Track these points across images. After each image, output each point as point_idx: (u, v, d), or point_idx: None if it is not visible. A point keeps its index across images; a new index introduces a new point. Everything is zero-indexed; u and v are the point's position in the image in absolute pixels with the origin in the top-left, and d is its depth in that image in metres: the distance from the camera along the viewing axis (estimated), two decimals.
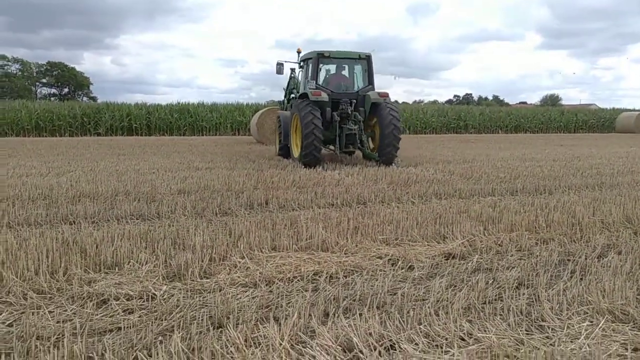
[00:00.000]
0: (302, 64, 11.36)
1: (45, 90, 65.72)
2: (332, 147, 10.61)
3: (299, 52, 11.78)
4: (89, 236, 4.03)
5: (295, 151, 10.23)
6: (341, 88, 10.44)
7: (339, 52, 10.37)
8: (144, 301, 2.91)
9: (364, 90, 10.26)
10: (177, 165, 9.49)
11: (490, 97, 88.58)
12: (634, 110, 34.86)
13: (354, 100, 10.03)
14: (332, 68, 10.81)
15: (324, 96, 9.57)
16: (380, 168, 9.05)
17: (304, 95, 9.93)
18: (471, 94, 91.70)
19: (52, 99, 54.97)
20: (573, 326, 2.60)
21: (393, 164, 9.70)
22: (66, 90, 65.53)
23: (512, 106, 50.73)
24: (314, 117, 9.17)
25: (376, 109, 9.96)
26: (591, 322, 2.65)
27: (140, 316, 2.70)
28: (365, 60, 10.41)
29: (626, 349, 2.38)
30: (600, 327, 2.58)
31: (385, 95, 10.04)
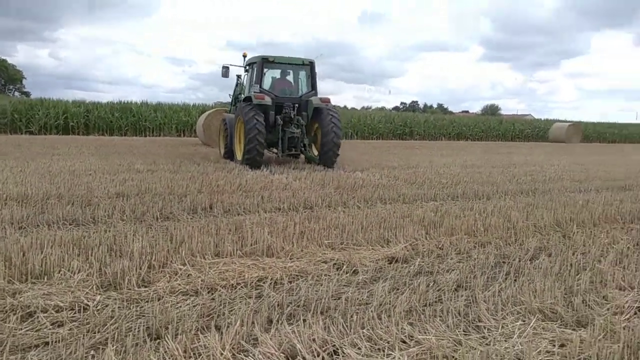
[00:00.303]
0: (247, 67, 11.47)
1: None
2: (275, 150, 10.80)
3: (244, 56, 11.86)
4: (15, 243, 3.74)
5: (239, 153, 10.37)
6: (285, 92, 10.64)
7: (283, 58, 10.56)
8: (75, 313, 2.74)
9: (307, 95, 10.55)
10: (117, 167, 9.07)
11: (435, 105, 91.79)
12: (565, 121, 37.32)
13: (297, 105, 10.30)
14: (277, 73, 11.02)
15: (267, 100, 9.81)
16: (327, 172, 9.11)
17: (248, 99, 10.12)
18: (417, 102, 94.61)
19: None
20: (507, 325, 2.72)
21: (337, 168, 9.95)
22: None
23: (455, 114, 52.84)
24: (257, 122, 9.35)
25: (318, 114, 10.26)
26: (523, 321, 2.79)
27: (70, 329, 2.54)
28: (309, 66, 10.72)
29: (554, 345, 2.51)
30: (532, 325, 2.71)
31: (327, 101, 10.32)
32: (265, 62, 10.35)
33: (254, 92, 10.00)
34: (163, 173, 8.36)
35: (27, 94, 53.42)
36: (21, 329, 2.50)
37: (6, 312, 2.69)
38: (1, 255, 3.46)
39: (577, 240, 4.65)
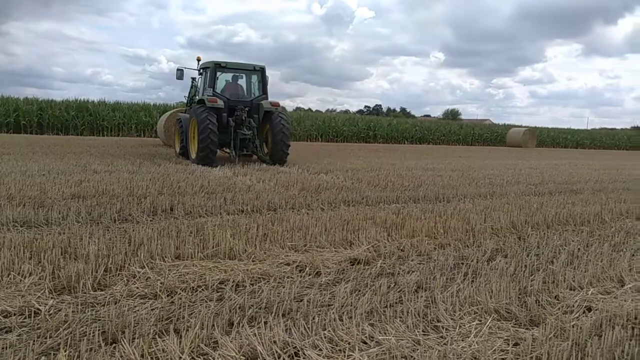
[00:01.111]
0: (201, 71, 12.08)
1: None
2: (227, 149, 11.60)
3: (198, 60, 12.49)
4: None
5: (193, 152, 11.00)
6: (237, 96, 11.47)
7: (235, 63, 11.40)
8: (25, 318, 2.62)
9: (258, 99, 11.41)
10: (72, 168, 8.74)
11: (398, 109, 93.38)
12: (521, 126, 38.77)
13: (249, 108, 11.12)
14: (229, 77, 11.79)
15: (220, 103, 10.61)
16: (291, 175, 9.10)
17: (202, 102, 10.79)
18: (380, 105, 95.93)
19: None
20: (464, 325, 2.79)
21: (301, 169, 10.27)
22: None
23: (417, 118, 53.94)
24: (210, 122, 10.10)
25: (269, 116, 11.10)
26: (480, 321, 2.87)
27: (20, 335, 2.42)
28: (260, 71, 11.58)
29: (509, 344, 2.60)
30: (488, 325, 2.80)
31: (277, 104, 11.23)
32: (217, 67, 11.08)
33: (207, 95, 10.75)
34: (122, 174, 8.12)
35: None
36: None
37: None
38: None
39: (531, 241, 4.84)
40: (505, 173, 12.00)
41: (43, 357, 2.21)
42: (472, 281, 3.53)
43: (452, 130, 35.76)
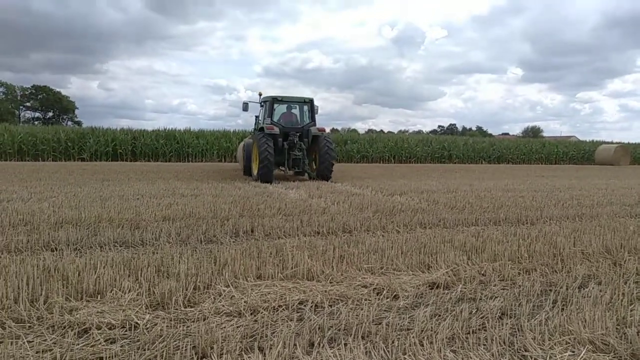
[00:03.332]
0: (262, 104, 14.53)
1: (29, 114, 65.19)
2: (282, 168, 13.84)
3: (260, 95, 14.89)
4: (71, 263, 3.97)
5: (255, 170, 13.33)
6: (291, 123, 13.63)
7: (289, 97, 13.71)
8: (126, 330, 2.87)
9: (307, 125, 13.57)
10: (162, 192, 9.44)
11: (474, 128, 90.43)
12: (612, 142, 35.90)
13: (300, 133, 13.27)
14: (284, 108, 13.97)
15: (276, 130, 12.84)
16: (365, 197, 9.13)
17: (262, 129, 13.11)
18: (455, 124, 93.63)
19: (36, 122, 54.51)
20: (555, 356, 2.63)
21: (375, 191, 10.56)
22: (50, 114, 65.11)
23: (495, 137, 51.82)
24: (268, 146, 12.18)
25: (316, 140, 13.31)
26: (573, 352, 2.69)
27: (122, 346, 2.66)
28: (309, 103, 13.82)
29: None
30: (582, 357, 2.61)
31: (323, 129, 13.60)
32: (275, 100, 13.44)
33: (266, 124, 13.05)
34: (206, 197, 8.63)
35: (79, 123, 56.65)
36: (78, 344, 2.65)
37: (64, 327, 2.86)
38: (60, 275, 3.69)
39: (629, 267, 4.45)
40: (596, 193, 11.14)
41: None
42: (562, 309, 3.32)
43: (533, 149, 33.93)
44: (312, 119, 13.67)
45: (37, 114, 65.02)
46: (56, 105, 64.56)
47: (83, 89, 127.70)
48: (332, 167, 13.23)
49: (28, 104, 64.96)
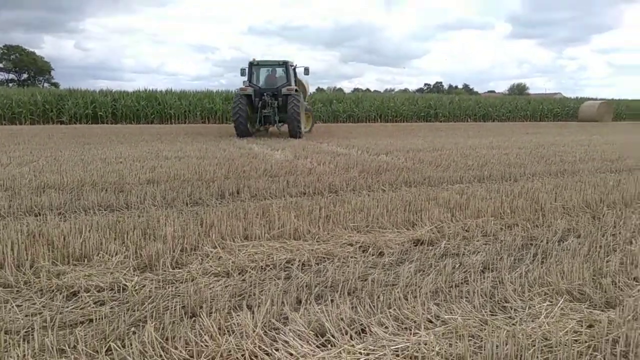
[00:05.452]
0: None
1: (2, 76, 62.81)
2: (268, 125, 15.59)
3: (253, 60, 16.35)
4: (56, 228, 3.94)
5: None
6: (270, 84, 15.13)
7: (264, 61, 15.25)
8: (115, 292, 2.89)
9: (282, 86, 14.72)
10: (145, 155, 9.31)
11: (461, 86, 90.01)
12: (596, 99, 36.12)
13: (275, 93, 14.58)
14: (263, 71, 15.56)
15: (249, 90, 14.48)
16: (351, 156, 9.14)
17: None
18: (442, 83, 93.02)
19: (10, 85, 52.64)
20: (534, 306, 2.73)
21: (361, 151, 10.62)
22: (25, 75, 62.79)
23: (481, 95, 51.73)
24: (239, 105, 14.24)
25: (287, 99, 14.39)
26: (551, 302, 2.80)
27: (112, 307, 2.69)
28: (284, 65, 14.99)
29: (582, 325, 2.52)
30: (559, 306, 2.72)
31: (292, 89, 14.46)
32: (251, 65, 15.04)
33: (242, 86, 14.71)
34: (190, 159, 8.54)
35: (56, 85, 54.80)
36: (67, 307, 2.66)
37: (53, 291, 2.87)
38: (44, 239, 3.66)
39: (607, 221, 4.58)
40: (578, 149, 11.31)
41: (133, 328, 2.44)
42: (542, 262, 3.43)
43: (518, 106, 34.00)
44: (288, 79, 14.90)
45: (11, 76, 62.67)
46: (31, 67, 62.17)
47: (58, 49, 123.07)
48: (299, 124, 14.34)
49: (0, 65, 62.46)
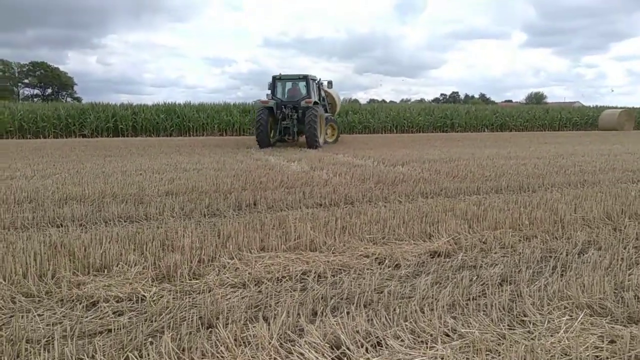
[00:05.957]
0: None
1: (27, 91, 64.69)
2: (288, 137, 15.87)
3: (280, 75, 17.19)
4: (77, 239, 4.03)
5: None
6: (293, 97, 15.72)
7: (287, 75, 16.03)
8: (133, 303, 2.94)
9: (302, 99, 15.41)
10: (164, 167, 9.46)
11: (477, 95, 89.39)
12: (616, 107, 35.47)
13: (295, 106, 15.27)
14: (285, 85, 16.21)
15: (270, 103, 15.31)
16: (367, 168, 9.14)
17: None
18: (458, 92, 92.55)
19: (35, 99, 54.17)
20: (553, 320, 2.68)
21: (377, 162, 10.59)
22: (49, 90, 64.59)
23: (498, 104, 51.25)
24: (261, 116, 15.05)
25: (305, 111, 15.01)
26: (571, 316, 2.74)
27: (130, 318, 2.73)
28: (304, 79, 15.84)
29: (603, 341, 2.47)
30: (579, 321, 2.67)
31: (310, 102, 15.01)
32: (275, 79, 15.90)
33: (260, 98, 15.99)
34: (208, 171, 8.65)
35: (78, 100, 56.22)
36: (86, 317, 2.72)
37: (73, 301, 2.93)
38: (66, 250, 3.75)
39: (629, 233, 4.48)
40: (598, 159, 11.10)
41: (150, 338, 2.47)
42: (562, 275, 3.37)
43: (536, 116, 33.61)
44: (308, 93, 15.62)
45: (36, 91, 64.51)
46: (55, 82, 64.01)
47: (81, 64, 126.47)
48: (316, 135, 14.80)
49: (26, 80, 64.37)
